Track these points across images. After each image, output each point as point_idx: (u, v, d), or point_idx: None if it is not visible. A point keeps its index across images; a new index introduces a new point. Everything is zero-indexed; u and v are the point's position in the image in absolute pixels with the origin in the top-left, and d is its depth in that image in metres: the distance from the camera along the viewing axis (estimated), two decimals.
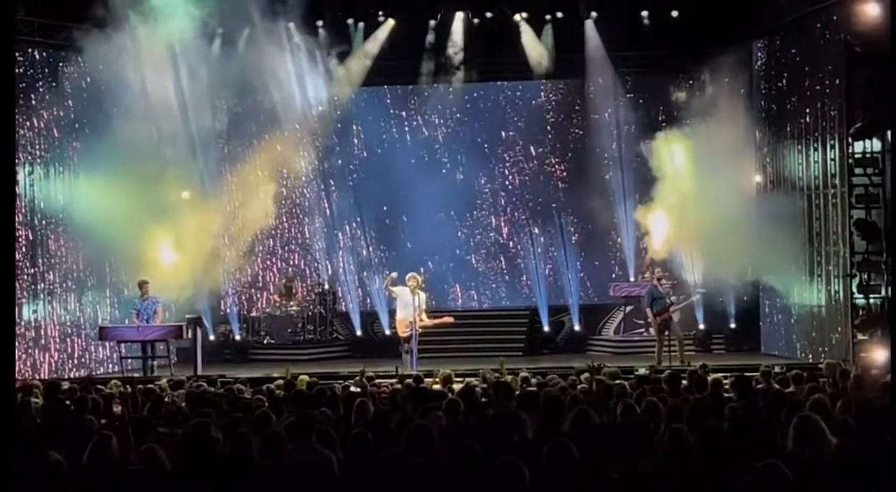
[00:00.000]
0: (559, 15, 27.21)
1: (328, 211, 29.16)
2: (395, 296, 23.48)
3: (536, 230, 29.35)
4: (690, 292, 25.72)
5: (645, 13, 26.90)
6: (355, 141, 29.00)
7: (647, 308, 24.47)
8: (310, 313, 28.58)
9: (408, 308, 22.98)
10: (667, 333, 23.95)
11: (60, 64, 25.23)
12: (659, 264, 26.57)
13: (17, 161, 23.93)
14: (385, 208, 29.11)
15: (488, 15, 27.37)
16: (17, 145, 22.15)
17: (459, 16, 27.46)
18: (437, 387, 15.70)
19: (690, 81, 27.21)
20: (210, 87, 25.86)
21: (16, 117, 23.51)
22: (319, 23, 26.97)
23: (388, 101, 29.60)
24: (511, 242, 29.61)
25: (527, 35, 27.51)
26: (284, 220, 28.93)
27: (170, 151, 25.83)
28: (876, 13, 21.19)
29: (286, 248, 29.30)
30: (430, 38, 27.69)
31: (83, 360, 25.53)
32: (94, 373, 24.84)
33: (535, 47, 27.59)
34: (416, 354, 22.90)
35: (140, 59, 25.00)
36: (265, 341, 28.21)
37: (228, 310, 28.35)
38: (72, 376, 23.75)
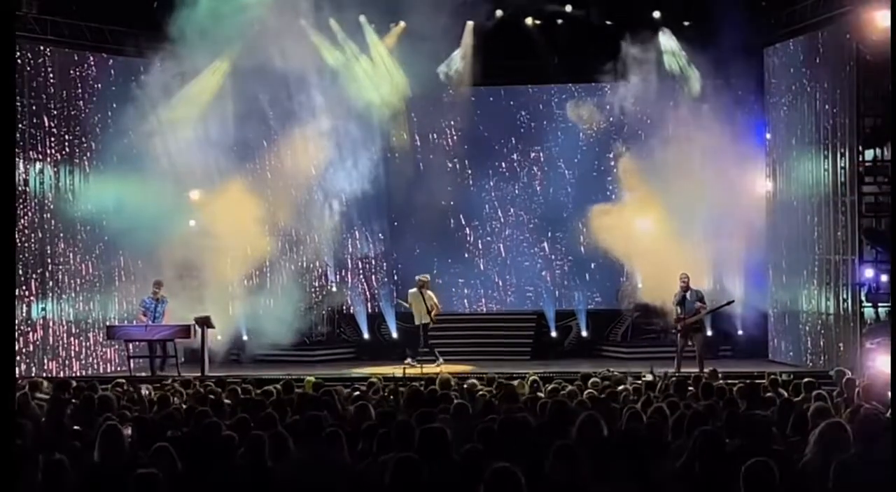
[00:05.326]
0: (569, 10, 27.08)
1: (337, 213, 28.97)
2: (410, 305, 25.52)
3: (545, 234, 29.32)
4: (722, 299, 25.32)
5: (657, 14, 26.90)
6: (362, 144, 28.80)
7: (675, 310, 24.07)
8: (317, 315, 28.56)
9: (421, 309, 25.31)
10: (690, 342, 23.61)
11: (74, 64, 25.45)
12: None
13: (27, 160, 24.10)
14: (393, 211, 28.99)
15: (498, 13, 27.26)
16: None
17: (469, 21, 27.43)
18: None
19: (701, 87, 27.09)
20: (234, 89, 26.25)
21: (25, 116, 23.74)
22: (332, 21, 26.95)
23: None
24: (519, 246, 29.54)
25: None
26: (293, 222, 28.70)
27: (185, 150, 26.27)
28: (886, 22, 21.19)
29: (294, 250, 29.05)
30: (440, 41, 27.56)
31: (90, 359, 25.55)
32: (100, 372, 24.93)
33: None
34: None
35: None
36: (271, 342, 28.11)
37: (236, 310, 28.21)
38: (79, 374, 23.84)
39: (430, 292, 25.61)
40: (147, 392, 16.39)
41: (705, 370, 19.72)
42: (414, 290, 25.59)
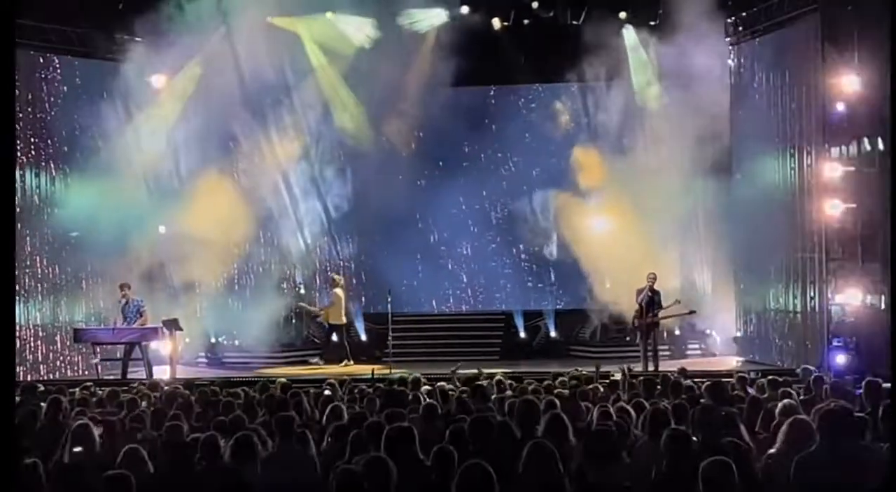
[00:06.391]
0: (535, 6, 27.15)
1: (306, 216, 28.89)
2: (326, 309, 27.46)
3: (513, 235, 29.32)
4: (692, 298, 25.44)
5: (623, 14, 26.98)
6: (329, 145, 28.73)
7: (639, 307, 24.16)
8: (284, 317, 28.49)
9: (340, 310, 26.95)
10: (650, 340, 23.76)
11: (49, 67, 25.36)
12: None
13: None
14: (361, 213, 28.85)
15: (464, 10, 27.23)
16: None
17: (443, 17, 27.39)
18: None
19: (667, 86, 27.12)
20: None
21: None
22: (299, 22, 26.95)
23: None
24: (487, 247, 29.55)
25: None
26: (262, 226, 28.56)
27: (153, 153, 26.26)
28: (851, 21, 21.33)
29: (263, 253, 28.95)
30: (413, 41, 27.52)
31: (57, 363, 25.39)
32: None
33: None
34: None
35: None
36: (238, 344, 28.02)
37: (204, 312, 28.08)
38: (46, 378, 23.69)
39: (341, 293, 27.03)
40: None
41: (671, 370, 19.73)
42: (336, 290, 26.94)
